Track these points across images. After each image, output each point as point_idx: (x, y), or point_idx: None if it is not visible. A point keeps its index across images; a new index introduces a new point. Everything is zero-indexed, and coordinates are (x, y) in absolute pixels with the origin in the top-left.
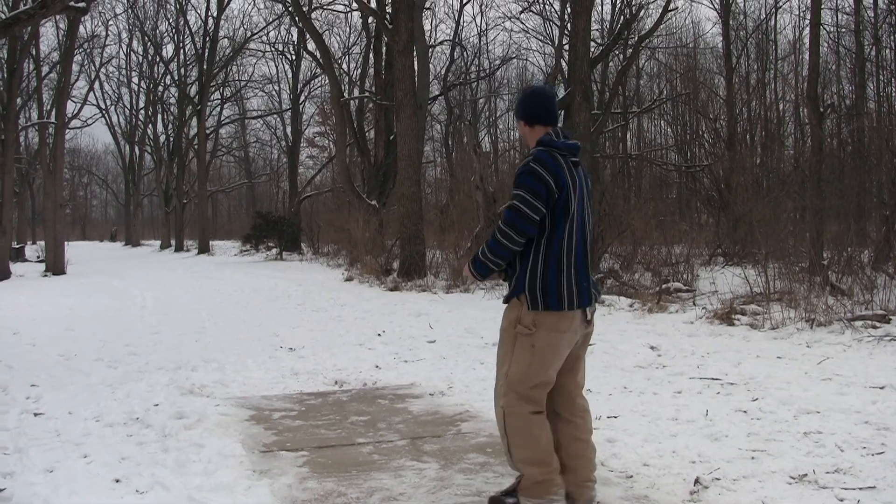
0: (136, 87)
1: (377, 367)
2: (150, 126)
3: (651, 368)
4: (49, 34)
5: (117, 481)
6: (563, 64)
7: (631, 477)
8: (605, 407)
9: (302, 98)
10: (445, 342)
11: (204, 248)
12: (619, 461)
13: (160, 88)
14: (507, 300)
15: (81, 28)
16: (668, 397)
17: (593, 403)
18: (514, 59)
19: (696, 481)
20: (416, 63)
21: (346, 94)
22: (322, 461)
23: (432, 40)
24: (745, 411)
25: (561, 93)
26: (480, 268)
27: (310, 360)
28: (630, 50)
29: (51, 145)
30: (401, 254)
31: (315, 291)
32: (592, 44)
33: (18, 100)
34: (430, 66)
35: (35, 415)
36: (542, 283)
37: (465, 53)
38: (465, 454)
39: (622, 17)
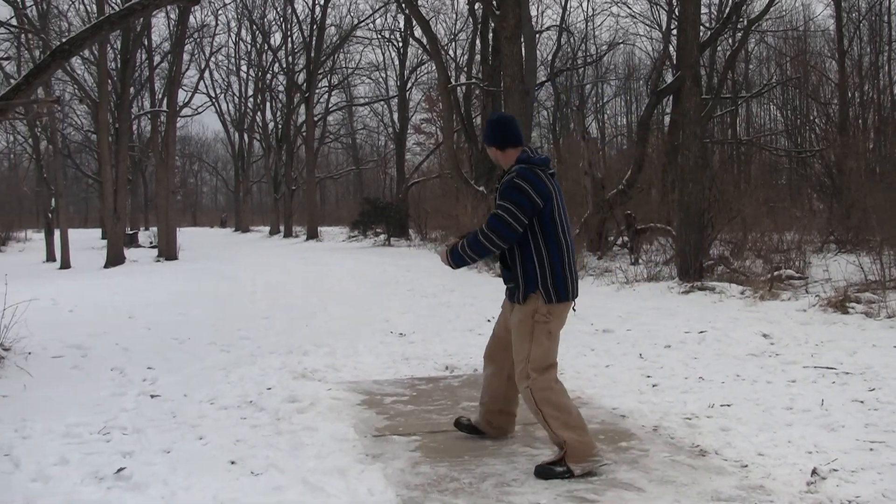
0: (244, 76)
1: None
2: (258, 114)
3: (764, 357)
4: (160, 25)
5: (232, 463)
6: (671, 49)
7: (746, 466)
8: (718, 395)
9: (409, 85)
10: None
11: (312, 234)
12: (733, 450)
13: (268, 76)
14: (522, 299)
15: (191, 18)
16: (782, 386)
17: (705, 391)
18: (621, 45)
19: (814, 472)
20: (523, 49)
21: (453, 81)
22: (434, 446)
23: (539, 26)
24: (861, 401)
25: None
26: (457, 259)
27: (420, 345)
28: (739, 34)
29: (162, 133)
30: None
31: (423, 277)
32: (701, 28)
33: (131, 89)
34: (537, 52)
35: (152, 396)
36: (552, 280)
37: (571, 39)
38: None
39: (731, 1)
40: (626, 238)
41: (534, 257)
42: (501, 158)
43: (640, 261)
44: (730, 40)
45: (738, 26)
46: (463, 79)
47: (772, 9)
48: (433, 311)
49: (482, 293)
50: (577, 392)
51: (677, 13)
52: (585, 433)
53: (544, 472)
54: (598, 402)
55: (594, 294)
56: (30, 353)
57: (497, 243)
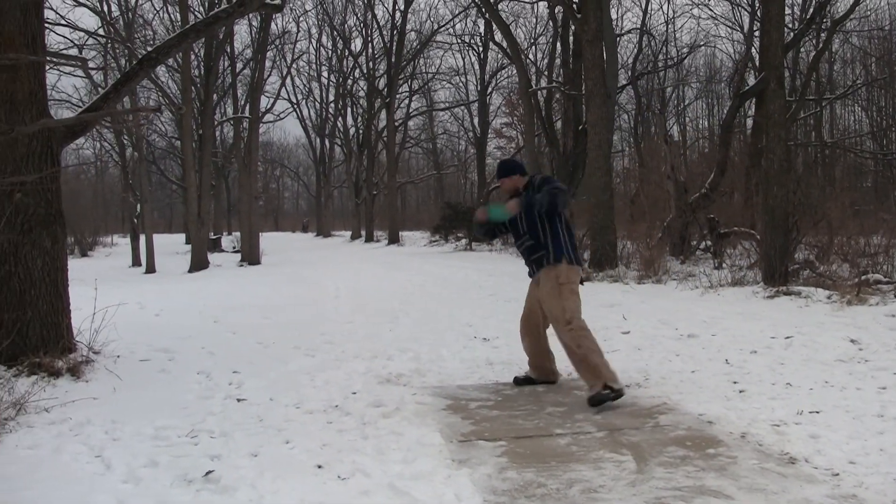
0: (325, 82)
1: None
2: (339, 119)
3: (852, 363)
4: (242, 32)
5: (319, 467)
6: (754, 50)
7: (837, 475)
8: (807, 401)
9: (489, 89)
10: (639, 333)
11: (394, 239)
12: (823, 458)
13: (349, 82)
14: (554, 261)
15: (273, 25)
16: (873, 393)
17: (793, 397)
18: (703, 47)
19: None
20: (604, 52)
21: (533, 85)
22: (520, 451)
23: (619, 29)
24: None
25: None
26: (528, 206)
27: (503, 350)
28: (823, 34)
29: (245, 139)
30: (591, 244)
31: (506, 282)
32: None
33: (214, 96)
34: (618, 55)
35: (238, 400)
36: (572, 250)
37: (652, 42)
38: (664, 447)
39: (815, 1)
40: (709, 242)
41: (559, 234)
42: (519, 182)
43: (724, 265)
44: (813, 41)
45: (822, 27)
46: (543, 83)
47: (857, 8)
48: (516, 315)
49: None
50: (662, 398)
51: (760, 14)
52: (610, 367)
53: (596, 399)
54: (685, 408)
55: (677, 299)
56: (118, 357)
57: (563, 201)
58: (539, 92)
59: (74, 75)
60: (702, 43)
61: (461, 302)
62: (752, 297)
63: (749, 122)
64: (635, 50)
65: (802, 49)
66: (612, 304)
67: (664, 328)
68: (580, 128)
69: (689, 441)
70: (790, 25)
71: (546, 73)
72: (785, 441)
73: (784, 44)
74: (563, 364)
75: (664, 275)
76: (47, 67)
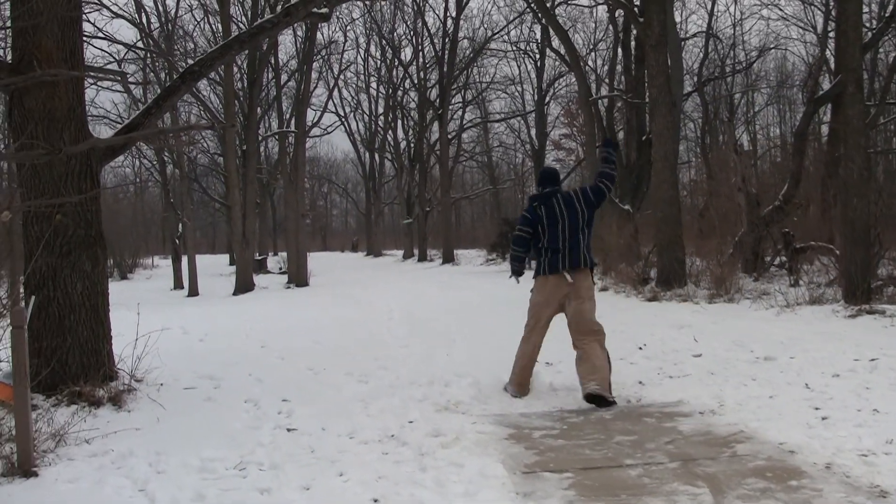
0: (374, 93)
1: (640, 382)
2: (389, 132)
3: None
4: (287, 43)
5: (375, 501)
6: (829, 52)
7: None
8: None
9: (547, 99)
10: (712, 356)
11: (448, 258)
12: None
13: (399, 93)
14: (592, 266)
15: (319, 35)
16: None
17: (882, 424)
18: (773, 50)
19: None
20: (668, 58)
21: (593, 93)
22: (588, 484)
23: (684, 33)
24: None
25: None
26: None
27: (567, 374)
28: None
29: (291, 154)
30: (658, 261)
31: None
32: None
33: (259, 110)
34: (683, 60)
35: (288, 430)
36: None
37: (719, 45)
38: (742, 479)
39: None
40: (784, 258)
41: (589, 242)
42: None
43: (801, 282)
44: (894, 41)
45: None
46: (604, 91)
47: None
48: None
49: (633, 319)
50: (739, 426)
51: (834, 14)
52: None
53: (605, 400)
54: (763, 437)
55: (751, 318)
56: (162, 384)
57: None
58: (600, 101)
59: (113, 90)
60: (772, 45)
61: (521, 323)
62: (832, 316)
63: (824, 129)
64: (701, 54)
65: (882, 49)
66: (681, 325)
67: (738, 350)
68: (644, 138)
69: (770, 472)
70: (868, 25)
71: (607, 80)
72: (874, 472)
73: (862, 44)
74: (628, 389)
75: (736, 293)
76: (86, 83)
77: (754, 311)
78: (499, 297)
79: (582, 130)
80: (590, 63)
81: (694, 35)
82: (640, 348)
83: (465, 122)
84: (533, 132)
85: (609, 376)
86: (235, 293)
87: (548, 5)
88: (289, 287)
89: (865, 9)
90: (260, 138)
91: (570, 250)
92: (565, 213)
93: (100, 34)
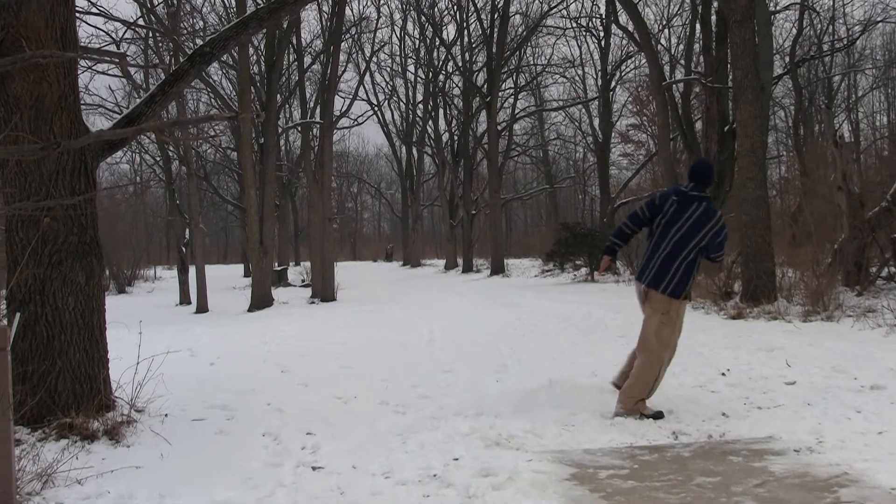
0: (412, 78)
1: (724, 414)
2: (429, 123)
3: None
4: (311, 20)
5: None
6: None
7: None
8: None
9: (612, 84)
10: (808, 384)
11: (498, 268)
12: None
13: (441, 78)
14: (669, 293)
15: (348, 10)
16: None
17: None
18: (880, 23)
19: None
20: (756, 35)
21: (667, 77)
22: None
23: (774, 5)
24: None
25: None
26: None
27: None
28: None
29: (316, 149)
30: (743, 272)
31: (638, 321)
32: None
33: (278, 97)
34: (773, 37)
35: (313, 468)
36: None
37: (815, 19)
38: None
39: None
40: (893, 269)
41: (686, 274)
42: None
43: None
44: None
45: None
46: (679, 74)
47: None
48: None
49: (714, 340)
50: (842, 466)
51: None
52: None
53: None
54: (872, 480)
55: (855, 340)
56: (166, 416)
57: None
58: (675, 85)
59: (110, 74)
60: (879, 18)
61: (583, 346)
62: None
63: None
64: (794, 30)
65: None
66: (771, 347)
67: (840, 377)
68: (726, 129)
69: None
70: None
71: (682, 61)
72: None
73: None
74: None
75: (836, 310)
76: (80, 66)
77: (858, 331)
78: (559, 316)
79: (653, 120)
80: (662, 42)
81: (786, 7)
82: (723, 374)
83: (517, 111)
84: (596, 122)
85: (637, 393)
86: (251, 309)
87: None
88: (313, 302)
89: None
90: (280, 130)
91: (659, 269)
92: (688, 226)
93: (94, 10)
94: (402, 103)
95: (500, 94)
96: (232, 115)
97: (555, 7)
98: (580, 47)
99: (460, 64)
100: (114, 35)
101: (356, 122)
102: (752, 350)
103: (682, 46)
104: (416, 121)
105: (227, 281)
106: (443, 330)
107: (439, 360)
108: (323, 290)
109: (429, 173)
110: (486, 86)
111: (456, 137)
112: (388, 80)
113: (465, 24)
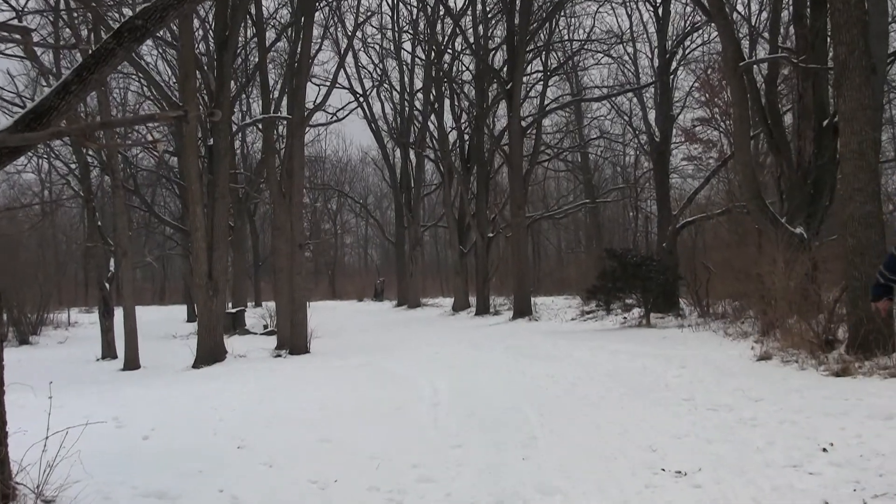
0: (408, 59)
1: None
2: (432, 118)
3: None
4: None
5: None
6: None
7: None
8: None
9: (673, 65)
10: None
11: (523, 309)
12: None
13: (447, 59)
14: None
15: None
16: None
17: None
18: None
19: None
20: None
21: (746, 56)
22: None
23: None
24: None
25: None
26: None
27: (710, 489)
28: None
29: (283, 153)
30: (849, 315)
31: (708, 378)
32: None
33: (233, 85)
34: (889, 2)
35: None
36: None
37: None
38: None
39: None
40: None
41: None
42: None
43: None
44: None
45: None
46: (763, 52)
47: None
48: (729, 433)
49: (810, 404)
50: None
51: None
52: None
53: None
54: None
55: None
56: None
57: None
58: (756, 66)
59: (8, 55)
60: None
61: (636, 411)
62: None
63: None
64: None
65: None
66: (889, 414)
67: None
68: (825, 123)
69: None
70: None
71: (767, 34)
72: None
73: None
74: None
75: None
76: None
77: None
78: (604, 371)
79: (728, 112)
80: (740, 8)
81: None
82: (824, 450)
83: (547, 101)
84: (652, 116)
85: None
86: (197, 365)
87: None
88: (279, 355)
89: None
90: (235, 129)
91: None
92: None
93: None
94: (395, 92)
95: (524, 79)
96: (178, 115)
97: None
98: (630, 17)
99: (472, 40)
100: (13, 2)
101: (335, 118)
102: (863, 418)
103: (765, 15)
104: (413, 115)
105: (166, 327)
106: (451, 389)
107: (446, 430)
108: (292, 339)
109: (431, 184)
110: (505, 69)
111: (467, 137)
112: (377, 61)
113: None
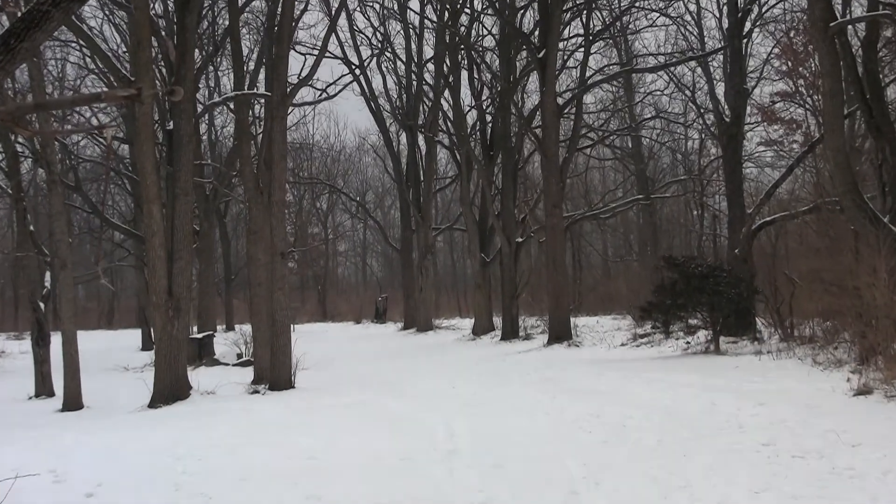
0: (416, 21)
1: None
2: (446, 95)
3: None
4: None
5: None
6: None
7: None
8: None
9: (747, 26)
10: None
11: (560, 332)
12: None
13: (464, 21)
14: None
15: None
16: None
17: None
18: None
19: None
20: None
21: (838, 14)
22: None
23: None
24: None
25: None
26: None
27: None
28: None
29: (260, 140)
30: None
31: (793, 417)
32: None
33: (197, 55)
34: None
35: None
36: None
37: None
38: None
39: None
40: None
41: None
42: None
43: None
44: None
45: None
46: (860, 10)
47: None
48: (820, 487)
49: None
50: None
51: None
52: None
53: None
54: None
55: None
56: None
57: None
58: (850, 27)
59: None
60: None
61: (703, 459)
62: None
63: None
64: None
65: None
66: None
67: None
68: None
69: None
70: None
71: None
72: None
73: None
74: None
75: None
76: None
77: None
78: (662, 409)
79: (816, 84)
80: None
81: None
82: None
83: (589, 73)
84: (721, 90)
85: None
86: (155, 404)
87: None
88: (256, 392)
89: None
90: (201, 109)
91: None
92: None
93: None
94: (399, 63)
95: (560, 45)
96: (130, 93)
97: None
98: None
99: None
100: None
101: (325, 95)
102: None
103: None
104: (423, 91)
105: (116, 357)
106: (471, 433)
107: (465, 485)
108: (273, 372)
109: (445, 177)
110: (537, 32)
111: (489, 118)
112: (377, 24)
113: None
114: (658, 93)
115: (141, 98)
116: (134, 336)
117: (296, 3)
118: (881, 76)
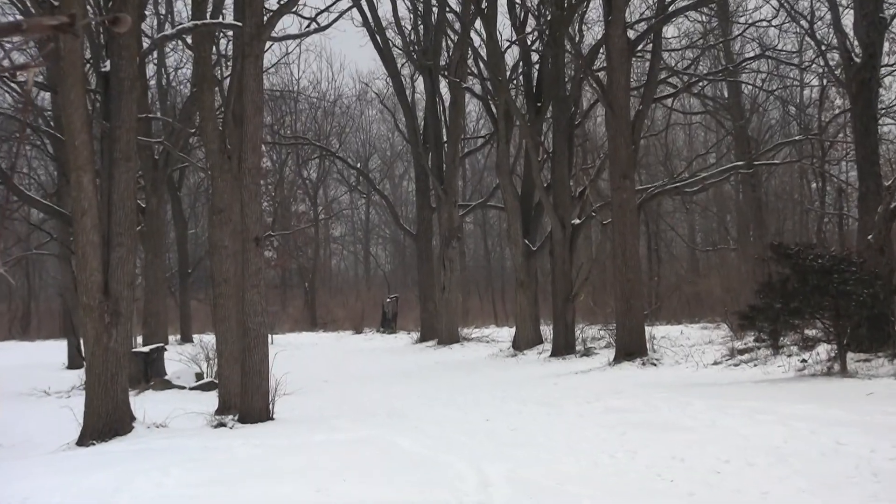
0: None
1: None
2: (476, 27)
3: None
4: None
5: None
6: None
7: None
8: None
9: None
10: None
11: (632, 347)
12: None
13: None
14: None
15: None
16: None
17: None
18: None
19: None
20: None
21: None
22: None
23: None
24: None
25: None
26: None
27: None
28: None
29: (227, 86)
30: None
31: None
32: None
33: None
34: None
35: None
36: None
37: None
38: None
39: None
40: None
41: None
42: None
43: None
44: None
45: None
46: None
47: None
48: None
49: None
50: None
51: None
52: None
53: None
54: None
55: None
56: None
57: None
58: None
59: None
60: None
61: None
62: None
63: None
64: None
65: None
66: None
67: None
68: None
69: None
70: None
71: None
72: None
73: None
74: None
75: None
76: None
77: None
78: (767, 449)
79: None
80: None
81: None
82: None
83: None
84: (849, 21)
85: None
86: (85, 441)
87: None
88: (222, 425)
89: None
90: (149, 45)
91: None
92: None
93: None
94: None
95: None
96: (58, 22)
97: None
98: None
99: None
100: None
101: (315, 26)
102: None
103: None
104: (446, 21)
105: (33, 377)
106: (509, 482)
107: None
108: (244, 398)
109: (476, 136)
110: None
111: (536, 57)
112: None
113: None
114: (765, 23)
115: (74, 29)
116: (58, 349)
117: None
118: None
